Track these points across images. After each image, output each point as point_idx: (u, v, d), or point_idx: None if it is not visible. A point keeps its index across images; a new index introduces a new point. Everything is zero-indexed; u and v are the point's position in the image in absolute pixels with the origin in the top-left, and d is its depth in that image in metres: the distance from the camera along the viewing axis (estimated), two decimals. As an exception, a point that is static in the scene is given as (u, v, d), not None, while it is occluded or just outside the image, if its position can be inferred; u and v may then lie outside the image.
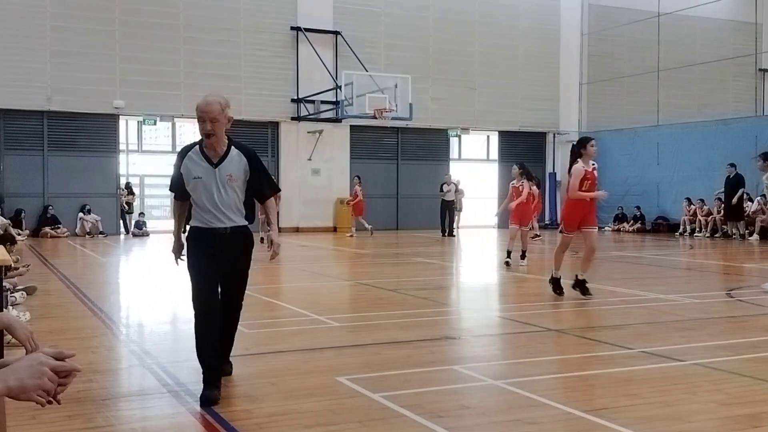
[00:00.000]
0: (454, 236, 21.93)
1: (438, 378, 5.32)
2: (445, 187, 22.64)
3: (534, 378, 5.26)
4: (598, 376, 5.38)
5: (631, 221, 24.24)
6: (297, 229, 23.48)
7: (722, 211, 20.90)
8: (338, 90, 22.57)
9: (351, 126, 24.06)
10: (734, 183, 20.10)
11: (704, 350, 6.17)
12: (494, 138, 26.96)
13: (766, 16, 26.87)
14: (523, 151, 26.81)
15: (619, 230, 24.37)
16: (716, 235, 21.27)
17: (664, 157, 23.76)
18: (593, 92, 26.91)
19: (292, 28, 23.38)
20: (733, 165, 20.16)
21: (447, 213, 22.55)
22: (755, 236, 19.94)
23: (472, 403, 4.74)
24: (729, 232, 20.76)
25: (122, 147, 22.98)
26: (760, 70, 27.30)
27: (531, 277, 12.27)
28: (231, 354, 5.28)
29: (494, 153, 27.10)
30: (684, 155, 23.03)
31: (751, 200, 20.68)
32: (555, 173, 26.99)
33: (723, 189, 20.46)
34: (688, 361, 5.76)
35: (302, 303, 8.97)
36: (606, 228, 24.97)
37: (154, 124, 22.74)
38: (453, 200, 22.74)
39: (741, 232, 20.29)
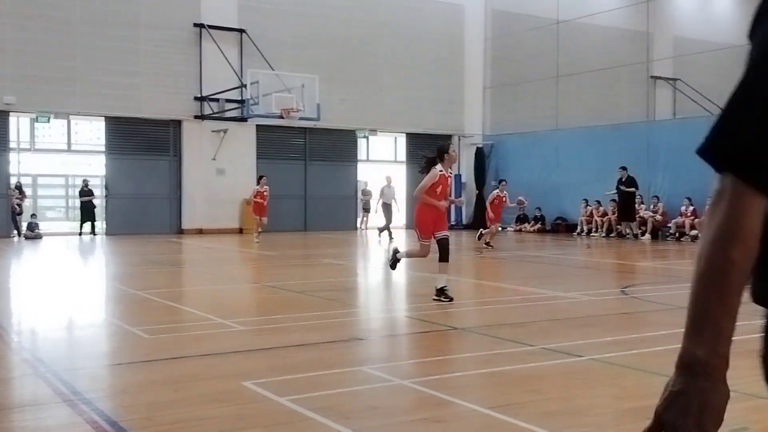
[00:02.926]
0: (392, 239, 20.55)
1: (346, 379, 5.31)
2: (386, 189, 21.70)
3: (440, 376, 5.32)
4: (502, 373, 5.50)
5: (532, 222, 24.95)
6: (200, 231, 23.00)
7: (616, 212, 21.75)
8: (243, 89, 22.24)
9: (257, 125, 23.76)
10: (627, 185, 20.94)
11: (601, 346, 6.41)
12: (402, 140, 27.22)
13: (656, 26, 28.20)
14: (430, 153, 27.17)
15: (520, 230, 25.05)
16: (611, 235, 22.16)
17: (564, 159, 24.56)
18: (497, 96, 27.56)
19: (195, 25, 22.89)
20: (624, 168, 20.99)
21: (388, 215, 21.40)
22: (647, 236, 20.89)
23: (380, 403, 4.75)
24: (623, 232, 21.65)
25: (13, 145, 21.89)
26: (652, 77, 28.61)
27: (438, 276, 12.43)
28: (131, 360, 5.07)
29: (402, 154, 27.35)
30: (582, 158, 23.87)
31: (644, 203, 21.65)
32: (460, 175, 27.47)
33: (615, 189, 21.24)
34: (585, 356, 5.96)
35: (206, 307, 8.77)
36: (508, 228, 25.61)
37: (48, 121, 21.74)
38: (391, 203, 21.58)
39: (634, 232, 21.19)
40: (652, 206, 21.40)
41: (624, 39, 27.94)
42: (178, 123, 23.13)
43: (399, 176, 27.07)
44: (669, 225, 21.01)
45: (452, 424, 4.30)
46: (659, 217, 21.05)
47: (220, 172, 23.56)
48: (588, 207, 23.16)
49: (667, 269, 14.25)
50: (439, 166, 8.97)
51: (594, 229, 22.78)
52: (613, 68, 26.32)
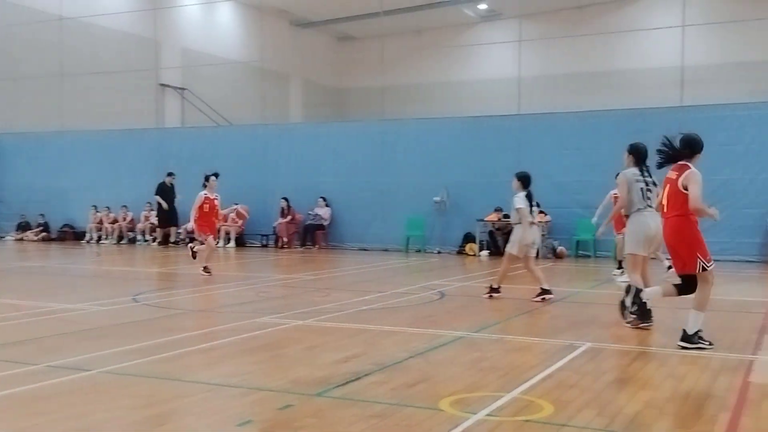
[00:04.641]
0: None
1: None
2: None
3: None
4: (1, 399, 4.89)
5: (36, 229, 23.14)
6: None
7: (159, 217, 21.09)
8: None
9: None
10: (171, 190, 20.71)
11: (113, 357, 6.18)
12: None
13: (164, 35, 28.68)
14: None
15: (22, 239, 22.99)
16: (122, 242, 21.79)
17: (71, 164, 23.33)
18: (-8, 91, 24.76)
19: None
20: (171, 174, 20.78)
21: None
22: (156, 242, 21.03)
23: None
24: (171, 238, 21.06)
25: None
26: (160, 84, 29.00)
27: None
28: None
29: None
30: (91, 163, 22.99)
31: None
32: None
33: (157, 195, 20.68)
34: (95, 370, 5.68)
35: None
36: (8, 237, 23.31)
37: None
38: None
39: (175, 239, 20.93)
40: (152, 212, 21.56)
41: (133, 44, 27.76)
42: None
43: None
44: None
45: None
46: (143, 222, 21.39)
47: None
48: (98, 213, 22.42)
49: (174, 274, 14.53)
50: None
51: (104, 236, 22.13)
52: (123, 72, 25.95)
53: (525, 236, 9.84)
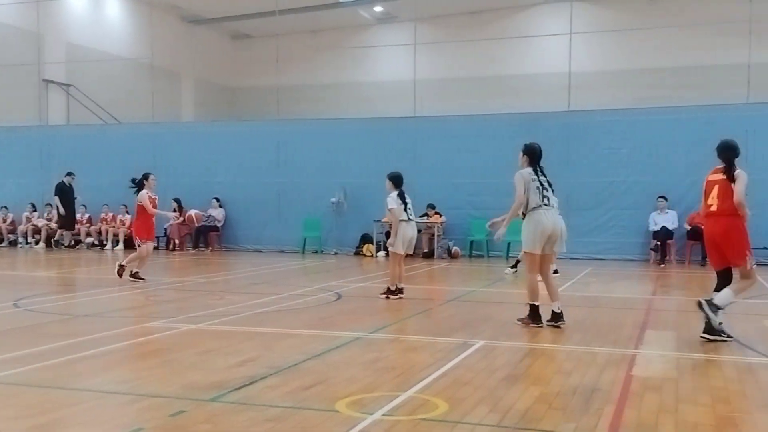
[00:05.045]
0: None
1: None
2: None
3: None
4: None
5: None
6: None
7: (57, 219, 20.04)
8: None
9: None
10: (70, 190, 19.75)
11: (-9, 366, 5.84)
12: None
13: (48, 29, 27.41)
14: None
15: None
16: (2, 245, 20.66)
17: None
18: None
19: None
20: (71, 174, 19.80)
21: None
22: (41, 244, 20.06)
23: None
24: (62, 240, 20.06)
25: None
26: (44, 80, 27.71)
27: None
28: None
29: None
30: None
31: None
32: None
33: (56, 196, 19.69)
34: (-27, 380, 5.35)
35: None
36: None
37: None
38: None
39: (68, 243, 19.93)
40: (46, 214, 20.62)
41: (13, 37, 26.38)
42: None
43: None
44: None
45: None
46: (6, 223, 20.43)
47: None
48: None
49: (60, 278, 13.91)
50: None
51: (-17, 239, 20.91)
52: (2, 66, 24.61)
53: (397, 236, 9.96)
